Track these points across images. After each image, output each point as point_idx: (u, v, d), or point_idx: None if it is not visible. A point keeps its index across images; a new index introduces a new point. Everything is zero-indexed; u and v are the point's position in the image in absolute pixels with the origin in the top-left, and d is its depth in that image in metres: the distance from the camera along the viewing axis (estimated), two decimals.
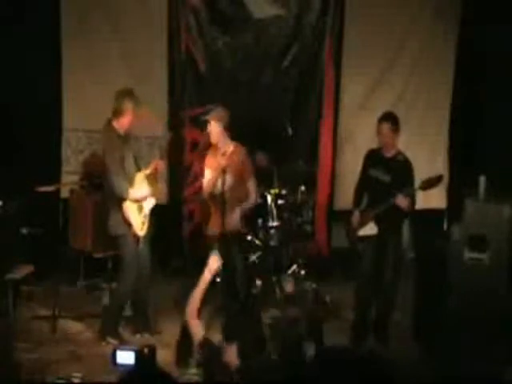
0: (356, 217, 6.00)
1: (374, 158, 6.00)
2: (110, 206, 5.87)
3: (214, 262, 4.26)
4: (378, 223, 5.86)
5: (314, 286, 7.13)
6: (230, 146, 6.01)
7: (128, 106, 5.83)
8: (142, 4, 7.62)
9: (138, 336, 6.04)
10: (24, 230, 6.38)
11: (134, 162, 5.97)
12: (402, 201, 5.66)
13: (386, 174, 5.85)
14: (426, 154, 7.87)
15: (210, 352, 3.78)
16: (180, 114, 7.76)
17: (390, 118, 5.87)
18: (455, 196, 7.10)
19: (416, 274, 6.28)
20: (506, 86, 7.12)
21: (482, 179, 5.75)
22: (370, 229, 5.91)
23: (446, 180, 7.89)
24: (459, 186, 7.05)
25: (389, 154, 5.91)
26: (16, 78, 7.18)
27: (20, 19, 7.14)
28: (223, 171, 5.73)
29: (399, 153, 5.94)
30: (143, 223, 5.88)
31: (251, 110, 7.60)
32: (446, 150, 7.89)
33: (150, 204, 5.96)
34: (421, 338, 5.98)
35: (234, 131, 6.06)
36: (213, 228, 5.98)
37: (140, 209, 5.88)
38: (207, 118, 6.03)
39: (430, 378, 5.37)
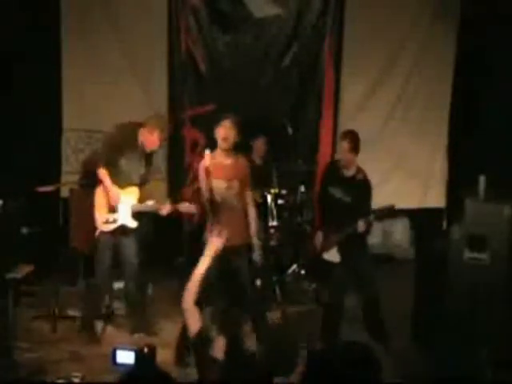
0: (319, 239, 5.92)
1: (333, 175, 5.92)
2: None
3: (214, 245, 4.20)
4: (340, 248, 5.79)
5: (313, 285, 7.14)
6: (232, 156, 5.70)
7: (155, 127, 5.93)
8: (142, 4, 7.63)
9: (136, 336, 6.06)
10: (24, 230, 6.38)
11: (136, 173, 6.03)
12: (362, 227, 5.63)
13: (347, 195, 5.78)
14: (426, 154, 7.88)
15: (201, 343, 3.73)
16: (180, 113, 7.77)
17: (348, 137, 5.77)
18: (455, 196, 7.10)
19: (416, 273, 6.27)
20: (505, 86, 7.12)
21: (482, 179, 5.74)
22: (333, 256, 5.83)
23: (445, 180, 7.91)
24: (459, 185, 7.05)
25: (349, 172, 5.82)
26: (16, 77, 7.18)
27: (20, 19, 7.14)
28: (240, 181, 5.62)
29: (359, 171, 5.85)
30: (107, 222, 5.95)
31: (251, 109, 7.60)
32: (446, 150, 7.89)
33: (127, 218, 5.99)
34: (420, 337, 5.98)
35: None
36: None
37: (111, 208, 5.95)
38: (224, 122, 5.60)
39: (430, 378, 5.37)
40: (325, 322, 5.94)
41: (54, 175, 7.30)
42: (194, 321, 3.78)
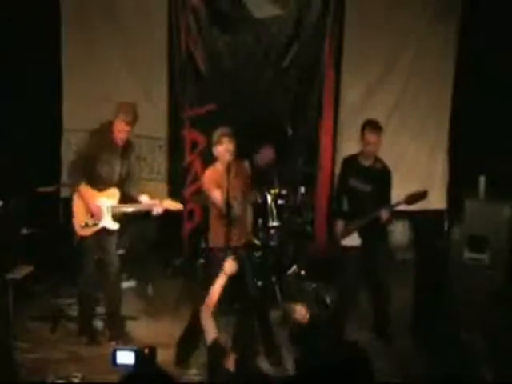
0: (340, 227, 5.96)
1: (352, 166, 5.95)
2: None
3: (230, 266, 4.38)
4: (362, 235, 5.82)
5: (313, 285, 7.13)
6: (234, 163, 5.63)
7: (125, 120, 5.80)
8: (142, 4, 7.63)
9: (113, 343, 5.89)
10: (24, 230, 6.38)
11: (114, 174, 5.87)
12: (384, 215, 5.65)
13: (366, 183, 5.81)
14: (426, 154, 7.86)
15: (216, 354, 3.83)
16: (180, 114, 7.76)
17: (378, 127, 5.80)
18: (455, 196, 7.10)
19: (416, 274, 6.28)
20: (506, 87, 7.12)
21: (482, 179, 5.76)
22: (353, 240, 5.88)
23: (446, 180, 7.90)
24: (459, 186, 7.05)
25: (367, 162, 5.86)
26: (16, 77, 7.18)
27: (20, 19, 7.15)
28: (243, 192, 5.64)
29: (377, 160, 5.89)
30: (86, 225, 5.83)
31: (251, 109, 7.60)
32: (446, 151, 7.88)
33: (107, 221, 5.87)
34: (420, 337, 5.99)
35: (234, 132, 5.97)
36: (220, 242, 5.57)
37: (89, 212, 5.84)
38: (221, 137, 5.54)
39: (430, 378, 5.37)
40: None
41: (54, 175, 7.30)
42: (211, 330, 3.96)
